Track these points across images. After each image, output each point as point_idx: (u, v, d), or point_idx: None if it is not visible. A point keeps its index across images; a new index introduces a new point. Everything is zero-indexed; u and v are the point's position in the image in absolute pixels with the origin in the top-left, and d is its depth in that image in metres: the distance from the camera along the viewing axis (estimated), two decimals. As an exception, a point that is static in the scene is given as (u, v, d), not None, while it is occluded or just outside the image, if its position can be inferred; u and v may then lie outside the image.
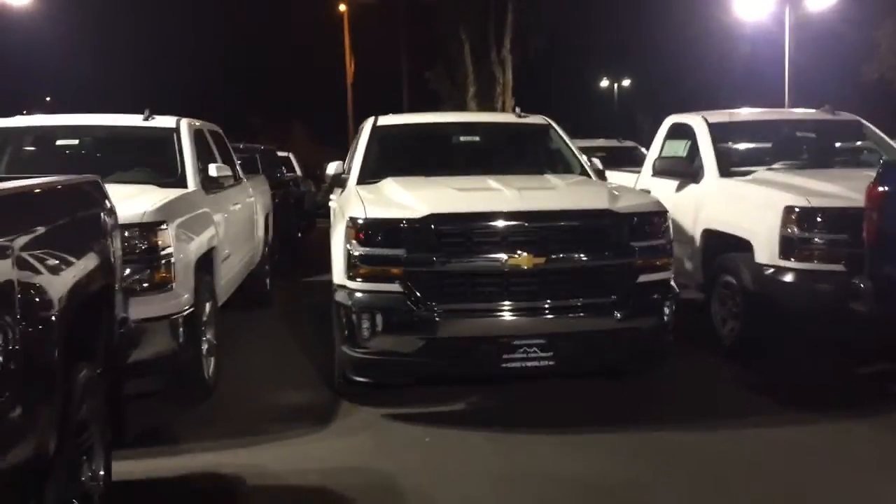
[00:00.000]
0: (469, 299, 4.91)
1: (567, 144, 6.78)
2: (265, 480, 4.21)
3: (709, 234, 6.76)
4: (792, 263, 5.79)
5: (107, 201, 4.01)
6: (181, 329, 5.04)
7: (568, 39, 30.11)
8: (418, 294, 4.86)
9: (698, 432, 4.84)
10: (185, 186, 6.12)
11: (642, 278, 5.08)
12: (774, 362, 6.19)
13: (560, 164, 6.64)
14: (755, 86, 25.72)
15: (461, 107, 24.43)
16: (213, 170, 6.47)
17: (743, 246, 6.21)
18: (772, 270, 5.90)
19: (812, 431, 4.84)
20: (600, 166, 6.73)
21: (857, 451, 4.51)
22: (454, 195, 5.26)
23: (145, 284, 4.89)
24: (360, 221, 4.97)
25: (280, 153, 18.56)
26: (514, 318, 4.90)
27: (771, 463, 4.40)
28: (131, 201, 5.08)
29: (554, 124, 7.04)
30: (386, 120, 6.93)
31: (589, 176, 6.41)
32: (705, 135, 7.33)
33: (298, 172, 17.10)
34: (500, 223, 4.89)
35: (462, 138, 6.99)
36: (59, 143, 6.66)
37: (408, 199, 5.16)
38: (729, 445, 4.64)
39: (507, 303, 4.91)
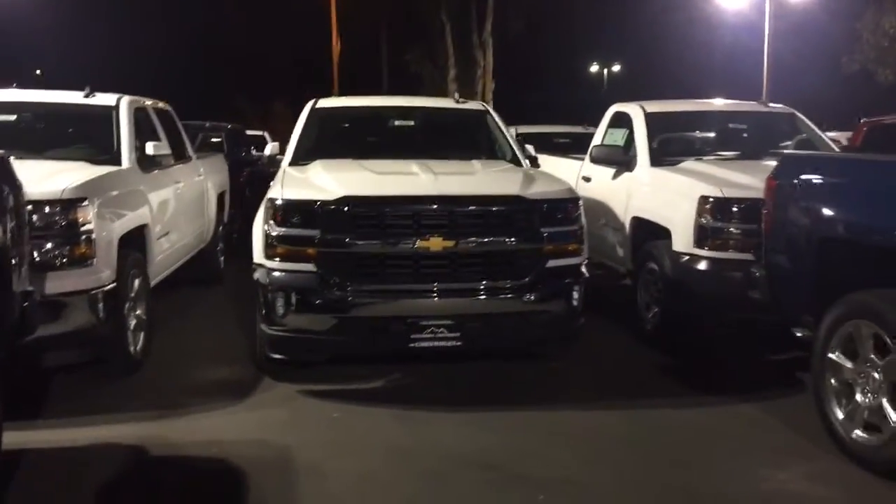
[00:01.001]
0: (380, 280, 5.06)
1: (502, 131, 6.91)
2: (167, 451, 4.36)
3: (637, 222, 6.92)
4: (706, 252, 5.95)
5: (11, 178, 4.12)
6: (101, 304, 5.15)
7: (552, 24, 30.08)
8: (331, 274, 5.01)
9: (597, 412, 5.02)
10: (119, 164, 6.23)
11: (552, 263, 5.24)
12: (692, 348, 6.37)
13: (493, 150, 6.77)
14: (736, 74, 25.82)
15: (442, 89, 24.45)
16: (150, 148, 6.57)
17: (664, 234, 6.37)
18: (687, 258, 6.07)
19: (708, 413, 5.02)
20: (533, 153, 6.88)
21: (745, 434, 4.69)
22: (370, 178, 5.40)
23: (65, 260, 5.01)
24: (278, 202, 5.11)
25: (254, 132, 18.68)
26: (424, 299, 5.05)
27: (659, 441, 4.57)
28: (55, 178, 5.20)
29: (491, 111, 7.17)
30: (325, 103, 7.05)
31: (519, 162, 6.55)
32: (641, 124, 7.47)
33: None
34: (412, 207, 5.03)
35: (397, 122, 7.12)
36: (-2, 119, 6.74)
37: (326, 181, 5.30)
38: (624, 425, 4.82)
39: (417, 284, 5.06)
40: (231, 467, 4.12)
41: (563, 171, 8.91)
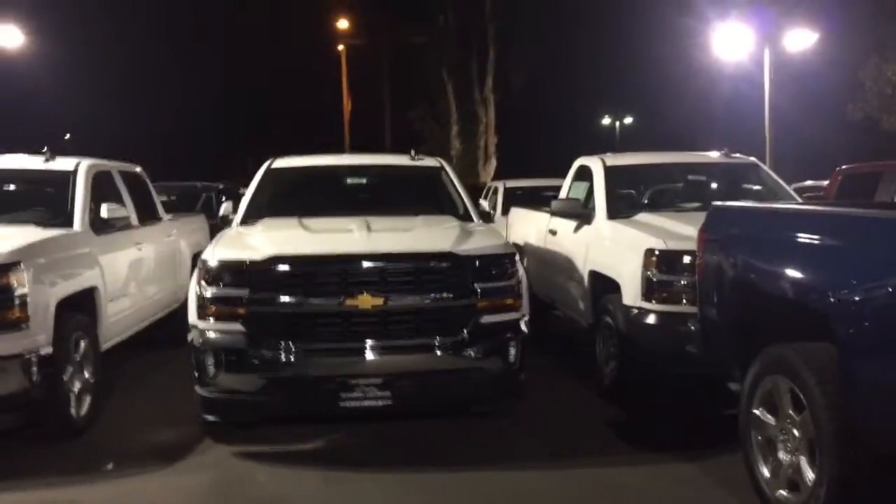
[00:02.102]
0: (309, 339, 5.03)
1: (455, 186, 6.93)
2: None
3: (594, 275, 6.85)
4: (653, 305, 5.88)
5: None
6: (34, 368, 5.15)
7: (559, 78, 30.42)
8: (260, 334, 4.99)
9: (533, 471, 4.92)
10: (70, 226, 6.31)
11: (487, 319, 5.19)
12: (648, 403, 6.25)
13: (444, 205, 6.76)
14: (737, 125, 25.83)
15: (445, 146, 24.69)
16: (104, 211, 6.64)
17: (617, 287, 6.30)
18: (636, 312, 5.99)
19: (645, 473, 4.88)
20: (487, 208, 6.89)
21: (676, 494, 4.55)
22: (302, 237, 5.41)
23: (-3, 324, 5.04)
24: (208, 263, 5.13)
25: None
26: (353, 357, 5.00)
27: (588, 503, 4.45)
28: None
29: (447, 167, 7.20)
30: (281, 162, 7.12)
31: (470, 217, 6.54)
32: (600, 177, 7.46)
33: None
34: (339, 265, 5.03)
35: (349, 181, 7.17)
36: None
37: (258, 240, 5.32)
38: (557, 484, 4.70)
39: (346, 343, 5.03)
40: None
41: (533, 225, 8.96)
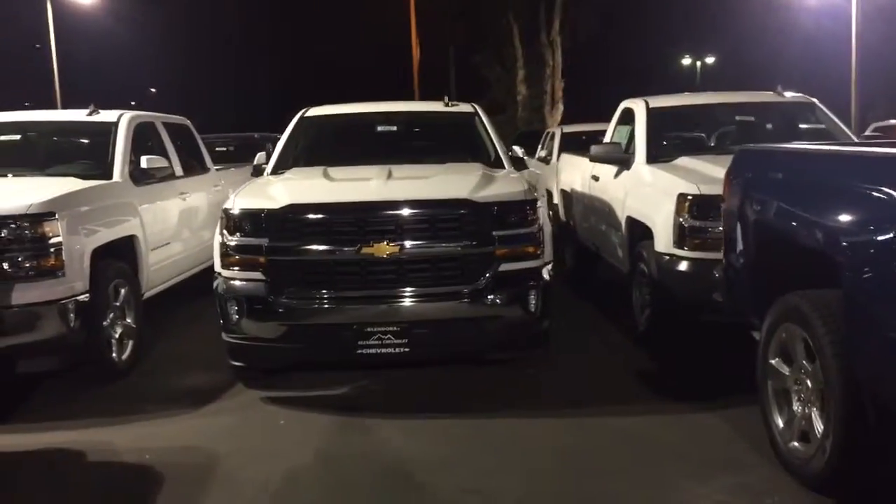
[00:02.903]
0: (327, 287, 5.07)
1: (487, 132, 6.82)
2: (102, 457, 4.48)
3: (631, 222, 6.68)
4: (685, 252, 5.71)
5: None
6: (72, 314, 5.37)
7: (631, 17, 29.42)
8: (279, 282, 5.06)
9: (546, 419, 4.89)
10: (110, 178, 6.49)
11: (505, 267, 5.12)
12: (682, 351, 6.12)
13: (476, 152, 6.66)
14: (819, 61, 24.57)
15: (510, 91, 24.30)
16: (144, 162, 6.80)
17: (650, 234, 6.14)
18: (668, 259, 5.83)
19: (662, 423, 4.78)
20: (521, 154, 6.76)
21: (689, 444, 4.43)
22: (322, 186, 5.42)
23: (33, 272, 5.25)
24: (230, 212, 5.20)
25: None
26: (369, 305, 5.02)
27: (595, 451, 4.40)
28: (29, 194, 5.46)
29: (480, 112, 7.08)
30: (314, 111, 7.13)
31: (501, 164, 6.44)
32: (642, 120, 7.23)
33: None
34: (355, 213, 5.02)
35: (380, 128, 7.12)
36: (2, 138, 7.13)
37: (279, 189, 5.36)
38: (568, 434, 4.65)
39: (363, 291, 5.05)
40: (150, 474, 4.22)
41: (579, 171, 8.78)
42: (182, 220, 7.50)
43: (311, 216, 5.05)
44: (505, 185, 5.44)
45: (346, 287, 5.05)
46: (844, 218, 3.40)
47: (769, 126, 7.51)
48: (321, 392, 5.53)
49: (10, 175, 6.53)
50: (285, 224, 5.05)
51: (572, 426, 4.77)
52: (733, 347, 5.77)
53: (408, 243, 5.00)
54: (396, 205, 5.05)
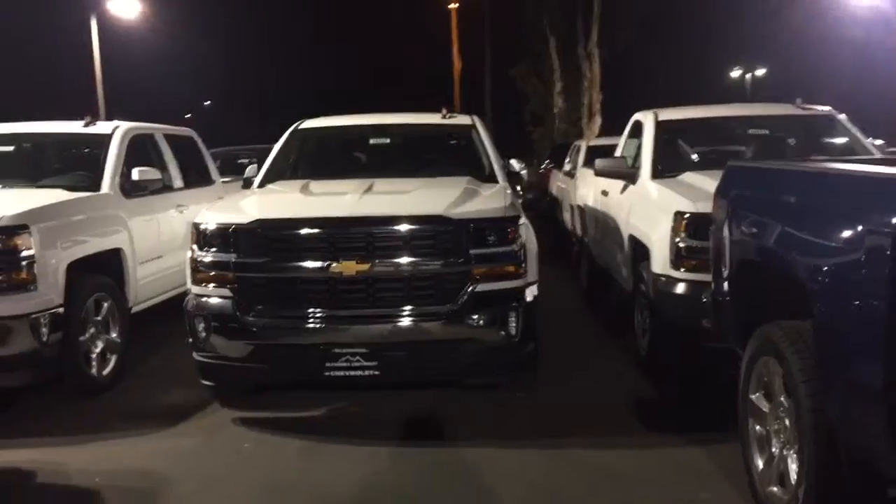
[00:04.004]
0: (294, 306, 4.86)
1: (483, 145, 6.58)
2: (51, 478, 4.35)
3: (633, 241, 6.37)
4: (681, 274, 5.38)
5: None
6: (44, 328, 5.27)
7: (672, 30, 28.88)
8: (246, 299, 4.88)
9: (525, 450, 4.61)
10: (98, 190, 6.40)
11: (483, 287, 4.86)
12: (683, 377, 5.77)
13: (471, 165, 6.42)
14: (868, 71, 23.74)
15: (547, 104, 23.95)
16: (135, 174, 6.70)
17: (648, 253, 5.82)
18: (664, 280, 5.51)
19: (648, 457, 4.47)
20: (517, 168, 6.51)
21: (671, 483, 4.13)
22: (293, 200, 5.25)
23: (4, 285, 5.16)
24: (199, 226, 5.04)
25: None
26: (337, 325, 4.80)
27: (567, 489, 4.10)
28: (4, 206, 5.38)
29: (478, 125, 6.84)
30: (308, 124, 6.97)
31: (494, 178, 6.19)
32: (650, 132, 6.92)
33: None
34: (325, 229, 4.81)
35: (373, 141, 6.92)
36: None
37: (250, 204, 5.18)
38: (543, 467, 4.37)
39: (331, 310, 4.83)
40: (97, 499, 4.06)
41: (592, 185, 8.48)
42: (177, 232, 7.39)
43: (278, 231, 4.86)
44: (485, 202, 5.17)
45: (315, 306, 4.84)
46: (818, 242, 3.07)
47: (785, 140, 7.12)
48: (296, 413, 5.33)
49: (1, 187, 6.50)
50: (253, 239, 4.87)
51: (550, 459, 4.47)
52: (731, 377, 5.42)
53: (379, 261, 4.77)
54: (367, 221, 4.83)
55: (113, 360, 6.08)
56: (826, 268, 2.97)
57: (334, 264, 4.74)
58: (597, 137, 18.42)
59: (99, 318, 5.95)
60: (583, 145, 13.15)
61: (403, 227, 4.80)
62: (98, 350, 5.90)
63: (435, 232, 4.81)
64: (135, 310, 6.67)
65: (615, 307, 8.05)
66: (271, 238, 4.85)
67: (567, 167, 13.22)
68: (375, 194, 5.25)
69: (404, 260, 4.78)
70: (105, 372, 5.96)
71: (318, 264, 4.77)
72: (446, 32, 27.05)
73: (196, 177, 8.26)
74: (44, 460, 4.58)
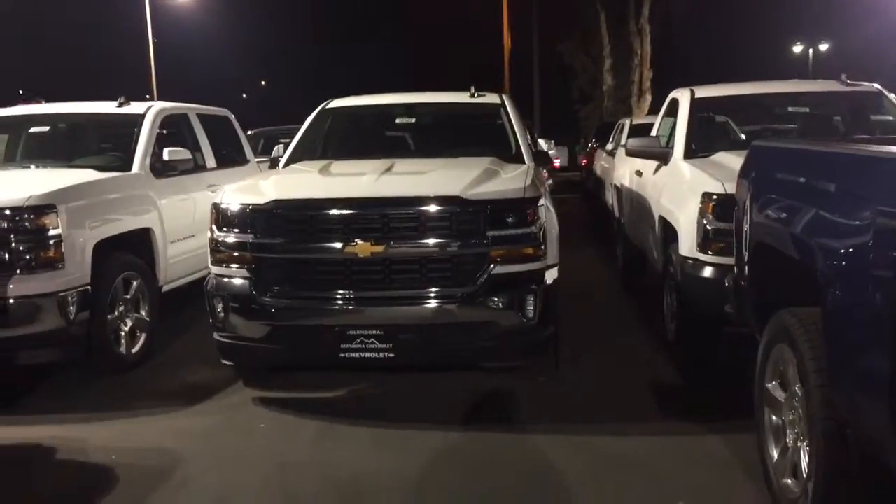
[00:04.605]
0: (310, 287, 4.85)
1: (511, 124, 6.46)
2: (69, 455, 4.42)
3: (663, 223, 6.20)
4: (709, 257, 5.22)
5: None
6: (71, 306, 5.37)
7: (724, 3, 28.02)
8: (263, 280, 4.88)
9: (534, 436, 4.53)
10: (129, 170, 6.48)
11: (500, 269, 4.77)
12: (709, 362, 5.62)
13: (497, 144, 6.30)
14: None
15: (596, 81, 23.52)
16: (165, 154, 6.77)
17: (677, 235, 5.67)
18: (691, 263, 5.35)
19: (661, 445, 4.36)
20: (545, 147, 6.39)
21: (683, 472, 4.02)
22: (312, 181, 5.22)
23: (33, 263, 5.26)
24: (218, 206, 5.06)
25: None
26: (351, 307, 4.77)
27: (575, 478, 4.01)
28: (33, 185, 5.48)
29: (507, 103, 6.72)
30: (336, 103, 6.94)
31: (521, 157, 6.08)
32: (685, 111, 6.71)
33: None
34: (340, 210, 4.77)
35: (399, 120, 6.85)
36: (32, 130, 7.24)
37: (268, 184, 5.17)
38: (556, 453, 4.28)
39: (346, 291, 4.80)
40: (106, 475, 4.12)
41: (628, 165, 8.30)
42: (208, 212, 7.42)
43: (294, 212, 4.84)
44: (504, 182, 5.08)
45: (330, 287, 4.82)
46: (828, 226, 2.92)
47: (828, 117, 6.84)
48: (317, 394, 5.34)
49: (33, 166, 6.63)
50: (270, 220, 4.86)
51: (562, 446, 4.37)
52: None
53: (394, 242, 4.72)
54: (382, 201, 4.78)
55: (142, 338, 6.17)
56: (835, 253, 2.82)
57: (349, 245, 4.71)
58: (645, 116, 18.06)
59: (128, 296, 6.04)
60: (626, 124, 12.89)
61: (419, 208, 4.74)
62: (127, 328, 6.00)
63: (451, 213, 4.74)
64: (165, 289, 6.76)
65: (649, 289, 7.88)
66: (287, 219, 4.84)
67: (610, 146, 12.97)
68: (393, 175, 5.20)
69: (420, 241, 4.72)
70: (134, 350, 6.06)
71: (333, 245, 4.75)
72: (489, 14, 26.75)
73: (230, 156, 8.32)
74: (65, 436, 4.67)
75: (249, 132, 14.92)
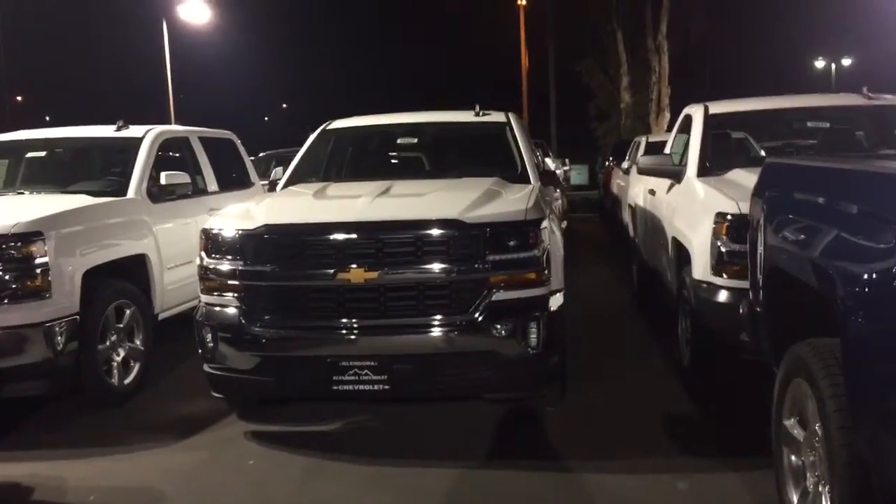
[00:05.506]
0: (301, 316, 4.62)
1: (516, 144, 6.22)
2: (46, 495, 4.22)
3: (676, 244, 5.92)
4: (724, 280, 4.94)
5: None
6: (59, 336, 5.18)
7: (746, 20, 27.73)
8: (253, 309, 4.66)
9: (535, 473, 4.26)
10: (124, 195, 6.31)
11: (501, 296, 4.52)
12: (728, 392, 5.32)
13: (502, 165, 6.07)
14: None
15: (614, 98, 23.27)
16: (163, 178, 6.60)
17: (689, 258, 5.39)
18: (704, 287, 5.07)
19: (661, 489, 4.06)
20: (553, 167, 6.14)
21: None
22: (304, 204, 5.02)
23: (19, 292, 5.08)
24: (206, 232, 4.86)
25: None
26: (344, 337, 4.53)
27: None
28: (21, 212, 5.32)
29: (513, 122, 6.48)
30: (337, 124, 6.74)
31: (527, 178, 5.83)
32: (699, 127, 6.44)
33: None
34: (332, 235, 4.55)
35: (400, 141, 6.64)
36: (29, 155, 7.10)
37: (260, 208, 4.97)
38: (555, 492, 4.02)
39: (339, 321, 4.56)
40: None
41: (642, 184, 8.04)
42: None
43: (284, 237, 4.62)
44: (506, 204, 4.83)
45: (321, 316, 4.58)
46: (847, 250, 2.65)
47: (850, 132, 6.54)
48: (313, 426, 5.11)
49: (27, 192, 6.48)
50: (260, 246, 4.64)
51: (568, 485, 4.11)
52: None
53: (389, 268, 4.48)
54: (376, 226, 4.55)
55: (136, 368, 5.97)
56: (855, 279, 2.55)
57: (341, 272, 4.48)
58: (663, 133, 17.75)
59: (121, 325, 5.85)
60: (643, 141, 12.63)
61: (415, 232, 4.50)
62: (119, 358, 5.80)
63: (449, 237, 4.50)
64: (162, 316, 6.57)
65: (665, 313, 7.58)
66: (277, 244, 4.62)
67: (626, 164, 12.70)
68: (390, 197, 4.97)
69: (416, 267, 4.48)
70: (127, 381, 5.86)
71: (325, 272, 4.52)
72: (507, 34, 26.66)
73: (234, 180, 8.15)
74: (45, 475, 4.46)
75: (261, 154, 14.85)
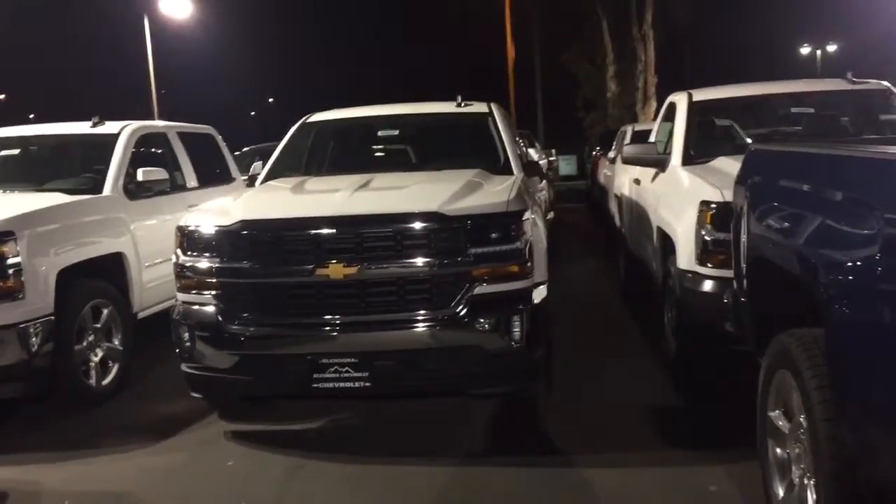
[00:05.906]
0: (279, 313, 4.53)
1: (499, 134, 6.13)
2: (22, 500, 4.12)
3: (661, 234, 5.86)
4: (708, 270, 4.87)
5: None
6: (33, 338, 5.07)
7: (733, 8, 27.68)
8: (230, 307, 4.56)
9: (517, 468, 4.19)
10: (100, 192, 6.19)
11: (483, 289, 4.44)
12: (714, 385, 5.27)
13: (485, 156, 5.97)
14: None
15: (600, 88, 23.19)
16: (140, 175, 6.48)
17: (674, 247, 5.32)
18: (690, 277, 5.00)
19: (649, 481, 3.99)
20: (535, 157, 6.06)
21: None
22: (281, 199, 4.91)
23: (-8, 294, 4.97)
24: (181, 229, 4.76)
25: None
26: (324, 334, 4.44)
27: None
28: (-9, 213, 5.20)
29: (496, 112, 6.39)
30: (316, 117, 6.64)
31: (509, 169, 5.75)
32: (682, 115, 6.38)
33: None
34: (310, 230, 4.46)
35: (381, 133, 6.54)
36: (2, 153, 6.97)
37: (237, 204, 4.87)
38: (541, 488, 3.95)
39: (318, 317, 4.47)
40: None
41: (628, 173, 7.98)
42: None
43: (261, 233, 4.52)
44: (487, 196, 4.74)
45: (300, 313, 4.49)
46: (829, 237, 2.58)
47: (835, 118, 6.47)
48: (294, 426, 5.03)
49: (0, 191, 6.35)
50: (236, 242, 4.55)
51: (554, 481, 4.04)
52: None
53: (368, 263, 4.39)
54: (354, 220, 4.45)
55: (115, 368, 5.87)
56: (838, 267, 2.48)
57: (320, 268, 4.39)
58: (650, 122, 17.70)
59: (98, 325, 5.74)
60: (629, 130, 12.57)
61: (394, 226, 4.41)
62: (97, 359, 5.70)
63: (429, 230, 4.41)
64: (142, 315, 6.46)
65: (652, 304, 7.53)
66: (254, 240, 4.52)
67: (612, 154, 12.64)
68: (369, 190, 4.88)
69: (397, 261, 4.39)
70: (105, 381, 5.76)
71: (303, 268, 4.43)
72: (490, 24, 26.50)
73: (214, 175, 8.03)
74: (20, 479, 4.36)
75: (245, 149, 14.70)
